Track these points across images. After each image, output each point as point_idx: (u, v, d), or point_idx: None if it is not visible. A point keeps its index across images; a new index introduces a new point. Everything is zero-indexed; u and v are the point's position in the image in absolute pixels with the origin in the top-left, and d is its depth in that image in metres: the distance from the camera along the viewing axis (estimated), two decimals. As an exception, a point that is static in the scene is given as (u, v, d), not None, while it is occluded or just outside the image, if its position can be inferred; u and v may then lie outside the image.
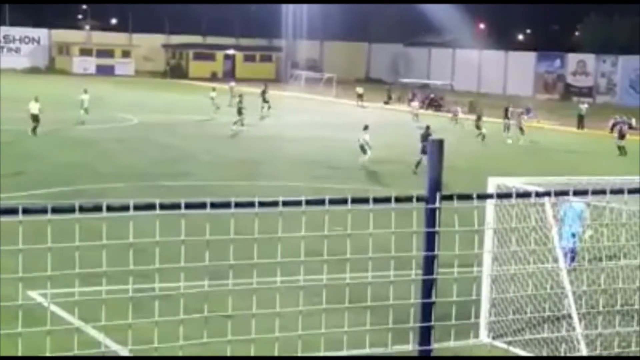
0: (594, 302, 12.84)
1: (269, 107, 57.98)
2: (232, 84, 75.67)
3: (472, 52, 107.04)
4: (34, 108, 47.15)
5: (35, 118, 46.66)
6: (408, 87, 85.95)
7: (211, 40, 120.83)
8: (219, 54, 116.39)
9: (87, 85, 57.43)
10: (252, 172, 37.82)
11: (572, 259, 19.78)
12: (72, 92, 59.58)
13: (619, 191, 6.86)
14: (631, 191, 6.92)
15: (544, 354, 14.99)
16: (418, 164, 38.03)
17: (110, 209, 5.33)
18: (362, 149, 41.17)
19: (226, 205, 5.62)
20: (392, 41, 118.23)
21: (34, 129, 46.54)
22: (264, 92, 63.83)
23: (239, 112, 54.35)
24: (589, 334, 14.73)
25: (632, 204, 7.51)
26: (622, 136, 52.41)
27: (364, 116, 67.13)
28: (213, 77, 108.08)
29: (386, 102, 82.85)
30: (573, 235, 20.35)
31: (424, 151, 40.15)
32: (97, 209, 5.30)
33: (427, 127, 42.50)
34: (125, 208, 5.35)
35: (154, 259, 5.95)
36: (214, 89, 64.69)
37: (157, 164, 39.07)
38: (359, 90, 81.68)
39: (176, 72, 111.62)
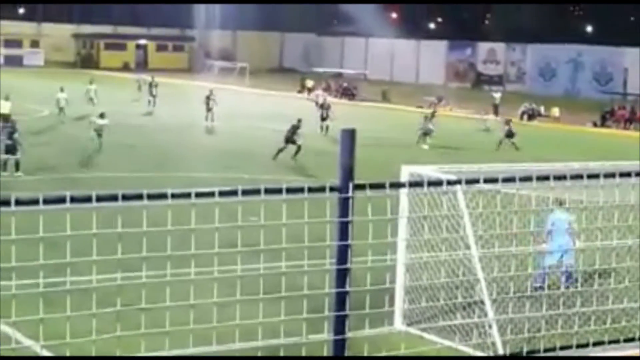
0: (505, 288, 13.05)
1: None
2: (144, 76, 74.25)
3: (385, 41, 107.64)
4: (5, 107, 44.75)
5: (5, 119, 42.84)
6: (322, 77, 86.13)
7: (122, 30, 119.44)
8: (131, 44, 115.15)
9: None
10: (165, 163, 37.56)
11: (568, 277, 18.17)
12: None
13: (528, 179, 6.99)
14: (540, 178, 7.06)
15: (457, 339, 15.18)
16: (279, 151, 40.02)
17: (19, 202, 5.25)
18: (98, 134, 40.78)
19: (138, 197, 5.58)
20: (305, 30, 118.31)
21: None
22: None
23: (426, 133, 48.52)
24: (500, 319, 14.96)
25: (541, 191, 7.65)
26: (510, 134, 49.90)
27: (273, 106, 67.11)
28: (125, 67, 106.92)
29: (299, 92, 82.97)
30: (563, 252, 18.52)
31: (287, 140, 40.55)
32: (6, 203, 5.22)
33: (299, 120, 41.79)
34: (35, 202, 5.28)
35: (65, 253, 5.88)
36: (91, 82, 63.02)
37: (68, 156, 38.55)
38: (309, 83, 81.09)
39: (87, 62, 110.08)
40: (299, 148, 40.38)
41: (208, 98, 53.89)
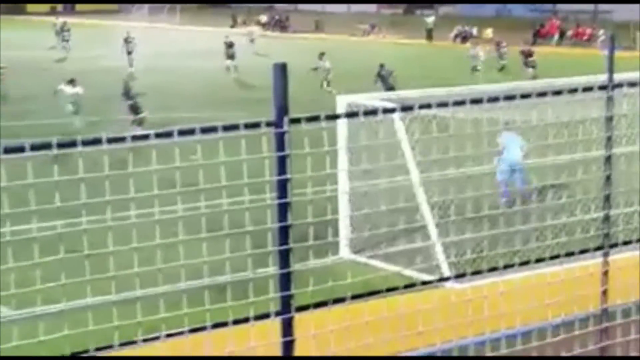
0: (447, 210, 13.22)
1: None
2: (60, 20, 72.08)
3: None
4: None
5: None
6: (252, 10, 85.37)
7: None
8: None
9: None
10: (100, 108, 37.08)
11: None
12: None
13: (461, 102, 7.05)
14: (474, 101, 7.11)
15: (402, 265, 15.35)
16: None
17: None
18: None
19: (72, 144, 5.53)
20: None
21: None
22: None
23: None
24: (443, 242, 15.13)
25: (474, 114, 7.73)
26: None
27: (206, 42, 66.49)
28: (52, 12, 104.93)
29: (232, 26, 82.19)
30: (514, 170, 20.18)
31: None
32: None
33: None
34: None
35: (2, 204, 5.83)
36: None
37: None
38: (263, 18, 79.61)
39: (13, 8, 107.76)
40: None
41: (126, 41, 52.32)
